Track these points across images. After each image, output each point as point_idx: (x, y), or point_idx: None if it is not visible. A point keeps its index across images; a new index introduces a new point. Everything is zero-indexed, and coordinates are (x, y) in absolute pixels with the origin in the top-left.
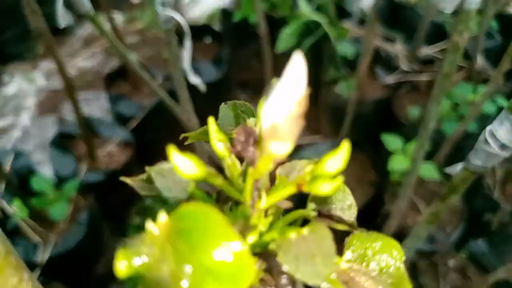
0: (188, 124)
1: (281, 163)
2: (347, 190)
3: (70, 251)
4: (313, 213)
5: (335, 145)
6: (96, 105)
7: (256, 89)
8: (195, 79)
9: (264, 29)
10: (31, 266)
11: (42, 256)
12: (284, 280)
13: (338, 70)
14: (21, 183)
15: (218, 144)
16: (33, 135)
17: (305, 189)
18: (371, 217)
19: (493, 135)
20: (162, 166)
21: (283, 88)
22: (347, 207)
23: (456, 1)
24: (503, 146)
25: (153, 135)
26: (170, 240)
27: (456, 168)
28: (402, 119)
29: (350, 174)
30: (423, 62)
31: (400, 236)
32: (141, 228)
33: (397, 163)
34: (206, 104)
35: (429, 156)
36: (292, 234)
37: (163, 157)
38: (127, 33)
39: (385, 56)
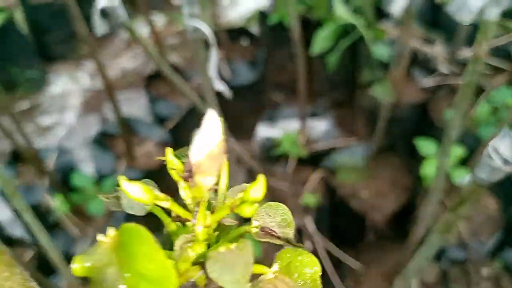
0: None
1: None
2: (287, 211)
3: None
4: (255, 230)
5: (369, 148)
6: (137, 105)
7: (291, 90)
8: (220, 86)
9: (297, 33)
10: (69, 258)
11: (81, 249)
12: (215, 285)
13: (373, 72)
14: (63, 179)
15: (172, 171)
16: (77, 133)
17: (235, 211)
18: (404, 222)
19: (496, 150)
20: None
21: (203, 136)
22: (286, 225)
23: (474, 13)
24: (506, 162)
25: (190, 135)
26: (115, 250)
27: (465, 180)
28: (439, 123)
29: (384, 178)
30: (463, 64)
31: None
32: None
33: (430, 169)
34: (243, 104)
35: (465, 162)
36: (222, 248)
37: None
38: (168, 34)
39: (424, 58)
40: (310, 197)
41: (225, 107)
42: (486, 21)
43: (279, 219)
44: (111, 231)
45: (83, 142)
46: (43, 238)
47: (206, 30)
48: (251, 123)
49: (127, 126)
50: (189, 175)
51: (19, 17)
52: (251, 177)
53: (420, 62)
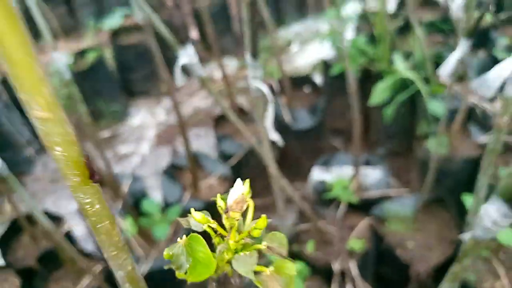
0: (268, 169)
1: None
2: (283, 237)
3: (168, 268)
4: (264, 247)
5: (418, 200)
6: (205, 141)
7: (349, 137)
8: (274, 136)
9: (354, 86)
10: None
11: (144, 268)
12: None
13: (429, 125)
14: (134, 203)
15: (219, 208)
16: (150, 163)
17: (251, 233)
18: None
19: (487, 213)
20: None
21: (234, 192)
22: (281, 246)
23: (494, 90)
24: (495, 223)
25: (249, 172)
26: (185, 246)
27: (467, 236)
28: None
29: (431, 231)
30: None
31: None
32: None
33: None
34: (301, 147)
35: None
36: (241, 254)
37: (255, 193)
38: (239, 77)
39: (481, 114)
40: (356, 242)
41: (284, 150)
42: (507, 97)
43: (278, 242)
44: (184, 236)
45: (155, 171)
46: None
47: (266, 91)
48: (308, 166)
49: (195, 160)
50: (226, 211)
51: (109, 55)
52: (301, 218)
53: (478, 119)
